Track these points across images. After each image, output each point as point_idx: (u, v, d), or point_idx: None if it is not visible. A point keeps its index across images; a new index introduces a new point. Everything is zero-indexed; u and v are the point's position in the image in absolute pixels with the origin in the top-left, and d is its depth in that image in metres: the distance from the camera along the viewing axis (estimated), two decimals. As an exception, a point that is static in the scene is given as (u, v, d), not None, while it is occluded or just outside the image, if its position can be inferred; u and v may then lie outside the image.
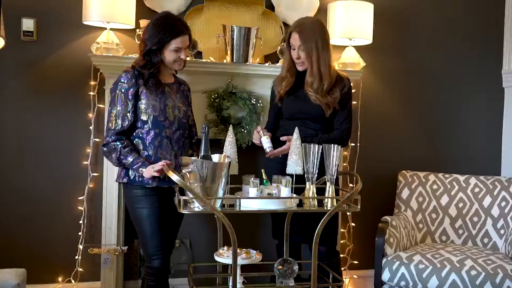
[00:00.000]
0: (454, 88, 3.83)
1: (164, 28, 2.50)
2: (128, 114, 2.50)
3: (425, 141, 3.81)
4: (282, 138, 2.68)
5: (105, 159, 2.97)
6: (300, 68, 2.76)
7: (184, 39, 2.54)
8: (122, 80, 2.51)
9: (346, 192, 2.51)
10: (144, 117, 2.52)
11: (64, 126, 3.20)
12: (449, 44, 3.80)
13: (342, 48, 3.43)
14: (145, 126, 2.53)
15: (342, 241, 3.55)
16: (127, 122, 2.50)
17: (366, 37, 3.31)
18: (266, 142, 2.66)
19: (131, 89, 2.50)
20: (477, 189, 3.41)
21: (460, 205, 3.41)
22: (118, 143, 2.48)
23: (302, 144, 2.41)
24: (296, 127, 2.54)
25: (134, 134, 2.55)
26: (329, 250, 2.82)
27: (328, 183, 2.37)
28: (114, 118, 2.50)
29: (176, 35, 2.51)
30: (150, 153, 2.52)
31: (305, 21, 2.75)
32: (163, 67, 2.60)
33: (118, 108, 2.50)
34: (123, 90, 2.50)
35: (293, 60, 2.76)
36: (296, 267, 2.45)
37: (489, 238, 3.31)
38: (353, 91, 3.02)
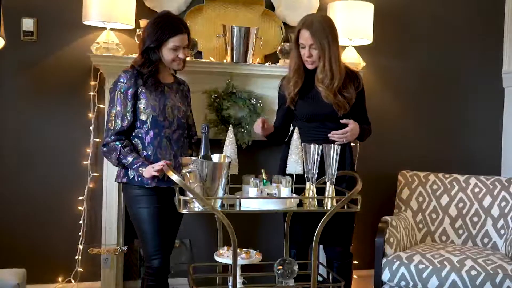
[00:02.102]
0: (454, 88, 3.83)
1: (162, 27, 2.50)
2: (127, 114, 2.50)
3: (425, 141, 3.80)
4: (343, 121, 2.68)
5: (105, 159, 2.96)
6: (310, 67, 2.68)
7: (182, 38, 2.54)
8: (122, 80, 2.51)
9: (347, 192, 2.51)
10: (143, 117, 2.52)
11: (64, 126, 3.20)
12: (449, 44, 3.80)
13: (342, 48, 3.40)
14: (144, 126, 2.52)
15: (342, 241, 3.55)
16: (126, 122, 2.50)
17: (366, 37, 3.31)
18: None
19: (131, 89, 2.50)
20: (477, 189, 3.41)
21: (460, 205, 3.41)
22: (117, 143, 2.47)
23: (302, 144, 2.41)
24: (296, 127, 2.54)
25: (134, 134, 2.54)
26: (344, 251, 2.82)
27: (328, 183, 2.37)
28: (113, 118, 2.50)
29: (174, 33, 2.51)
30: (149, 153, 2.51)
31: (313, 18, 2.66)
32: (162, 67, 2.60)
33: (118, 108, 2.50)
34: (122, 90, 2.50)
35: (301, 59, 2.68)
36: (296, 267, 2.44)
37: (489, 238, 3.31)
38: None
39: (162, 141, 2.53)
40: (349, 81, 2.71)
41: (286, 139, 2.84)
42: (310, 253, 2.94)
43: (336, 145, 2.35)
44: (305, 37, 2.61)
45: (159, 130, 2.53)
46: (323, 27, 2.61)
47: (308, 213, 2.60)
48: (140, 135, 2.53)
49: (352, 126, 2.66)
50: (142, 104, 2.51)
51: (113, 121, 2.50)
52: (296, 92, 2.70)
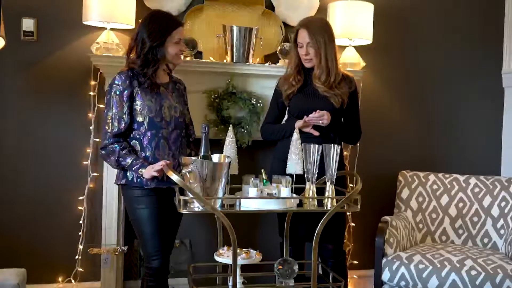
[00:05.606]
0: (454, 88, 3.83)
1: (163, 22, 2.51)
2: (124, 116, 2.48)
3: (425, 141, 3.80)
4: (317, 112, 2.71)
5: (105, 159, 2.97)
6: (308, 65, 2.79)
7: (182, 30, 2.58)
8: (117, 82, 2.49)
9: (346, 192, 2.51)
10: (140, 119, 2.51)
11: (64, 126, 3.20)
12: (449, 44, 3.80)
13: (342, 48, 3.42)
14: (142, 127, 2.51)
15: (342, 241, 3.55)
16: (123, 124, 2.48)
17: (366, 37, 3.31)
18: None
19: (126, 91, 2.48)
20: (477, 189, 3.41)
21: (460, 205, 3.41)
22: (116, 145, 2.47)
23: (302, 144, 2.41)
24: (296, 128, 2.54)
25: (132, 135, 2.53)
26: (336, 249, 2.83)
27: (328, 183, 2.37)
28: (110, 120, 2.49)
29: (176, 26, 2.53)
30: (147, 154, 2.50)
31: (311, 19, 2.84)
32: (159, 66, 2.59)
33: (114, 110, 2.48)
34: (118, 92, 2.48)
35: (300, 59, 2.79)
36: (296, 267, 2.44)
37: (489, 238, 3.31)
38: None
39: (160, 141, 2.53)
40: (343, 82, 2.81)
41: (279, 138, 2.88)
42: (306, 251, 2.96)
43: (336, 145, 2.35)
44: (303, 35, 2.74)
45: (157, 131, 2.52)
46: (320, 27, 2.75)
47: (305, 212, 2.60)
48: (138, 136, 2.52)
49: (327, 113, 2.70)
50: (138, 106, 2.50)
51: (110, 124, 2.49)
52: (296, 89, 2.80)
